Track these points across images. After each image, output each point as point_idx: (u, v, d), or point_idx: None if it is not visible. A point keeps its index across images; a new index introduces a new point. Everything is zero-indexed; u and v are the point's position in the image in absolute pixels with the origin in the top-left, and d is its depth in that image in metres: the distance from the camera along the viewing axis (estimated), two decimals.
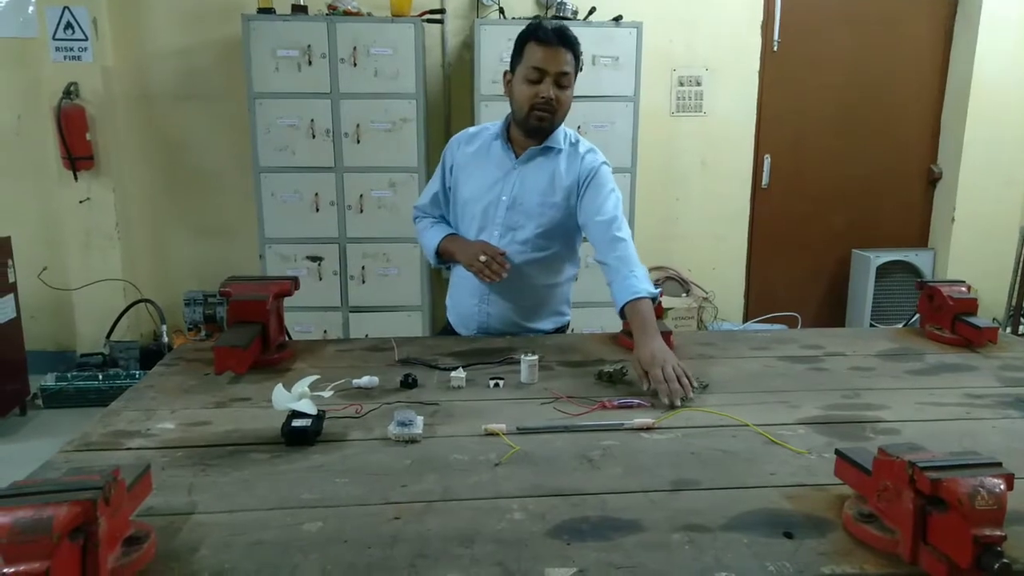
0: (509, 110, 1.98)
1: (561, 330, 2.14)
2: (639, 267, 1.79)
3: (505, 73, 1.96)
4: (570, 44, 1.85)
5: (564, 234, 2.02)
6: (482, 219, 2.00)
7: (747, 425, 1.32)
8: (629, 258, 1.80)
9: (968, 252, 4.67)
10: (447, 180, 2.10)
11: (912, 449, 0.94)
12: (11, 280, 3.58)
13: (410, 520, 1.00)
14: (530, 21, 3.79)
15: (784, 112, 4.61)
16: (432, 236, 2.08)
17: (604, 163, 1.99)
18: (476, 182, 2.02)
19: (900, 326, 2.20)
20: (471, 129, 2.12)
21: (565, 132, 2.01)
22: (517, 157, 1.99)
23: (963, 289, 1.91)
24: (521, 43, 1.87)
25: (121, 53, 4.12)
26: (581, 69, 1.93)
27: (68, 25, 3.86)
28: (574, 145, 2.00)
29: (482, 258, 1.87)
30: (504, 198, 1.98)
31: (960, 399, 1.48)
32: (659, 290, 1.77)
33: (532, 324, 2.07)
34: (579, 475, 1.14)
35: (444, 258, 2.07)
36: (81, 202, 4.04)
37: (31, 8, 3.96)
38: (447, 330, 2.18)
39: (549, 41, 1.82)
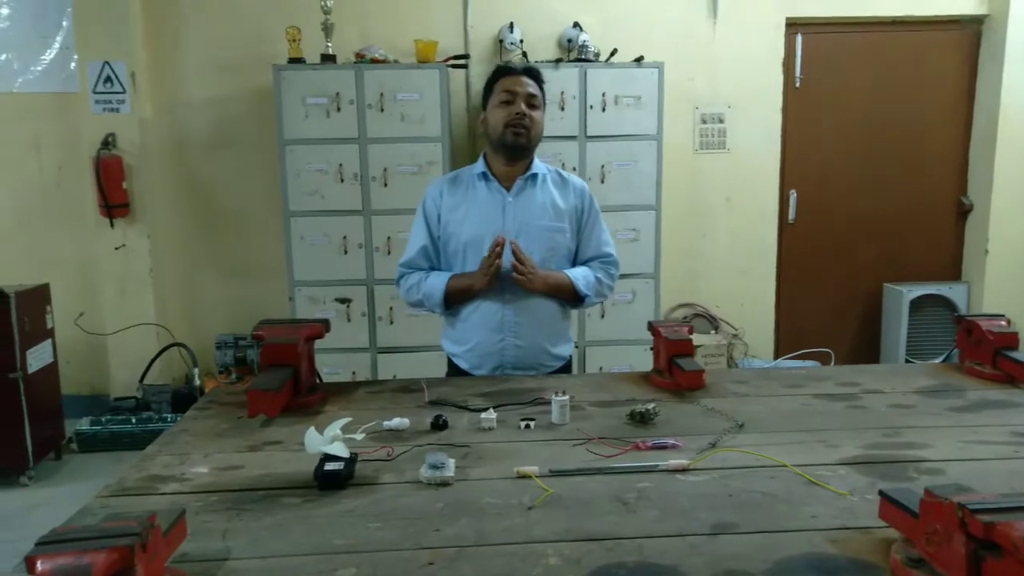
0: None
1: (570, 357, 2.19)
2: (593, 280, 2.10)
3: (480, 115, 2.11)
4: (534, 75, 2.06)
5: (569, 254, 2.13)
6: None
7: (785, 466, 1.29)
8: (602, 275, 2.13)
9: (1003, 284, 4.57)
10: (434, 230, 2.11)
11: (960, 490, 0.91)
12: (49, 326, 3.67)
13: (444, 566, 0.99)
14: (550, 63, 3.89)
15: (809, 147, 4.61)
16: (435, 283, 2.06)
17: (585, 185, 2.18)
18: (473, 222, 2.06)
19: (938, 361, 2.14)
20: (446, 176, 2.19)
21: (543, 164, 2.15)
22: (508, 191, 2.06)
23: (1003, 323, 1.86)
24: (491, 82, 2.07)
25: (157, 104, 4.27)
26: (545, 104, 2.09)
27: (107, 79, 4.02)
28: (555, 172, 2.16)
29: (486, 256, 1.94)
30: (509, 230, 2.02)
31: (1006, 437, 1.43)
32: (588, 295, 2.08)
33: (554, 349, 2.10)
34: (614, 518, 1.12)
35: (453, 299, 2.07)
36: (117, 248, 4.15)
37: (73, 64, 4.14)
38: (457, 372, 2.13)
39: (516, 70, 2.05)
